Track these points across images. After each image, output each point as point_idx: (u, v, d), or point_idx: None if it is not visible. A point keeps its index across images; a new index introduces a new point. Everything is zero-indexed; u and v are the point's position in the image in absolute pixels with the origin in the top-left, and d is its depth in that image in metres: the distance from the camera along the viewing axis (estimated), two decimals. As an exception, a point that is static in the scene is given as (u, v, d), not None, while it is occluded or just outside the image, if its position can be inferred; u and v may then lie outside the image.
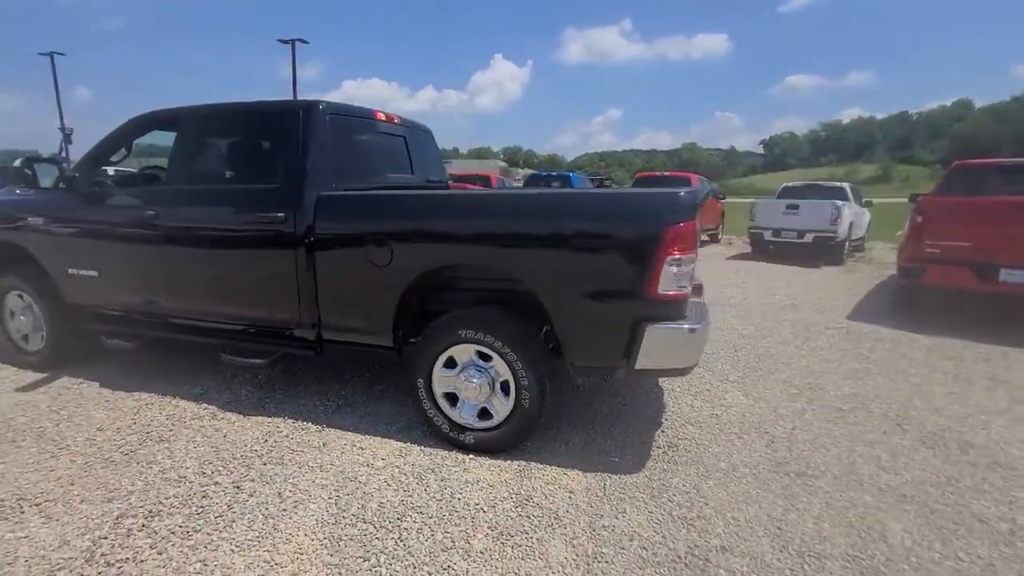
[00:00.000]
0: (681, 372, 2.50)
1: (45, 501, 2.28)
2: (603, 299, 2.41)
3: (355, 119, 3.21)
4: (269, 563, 1.92)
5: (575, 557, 1.98)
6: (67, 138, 22.68)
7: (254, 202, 2.87)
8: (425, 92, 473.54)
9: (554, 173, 15.83)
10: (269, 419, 3.06)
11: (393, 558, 1.96)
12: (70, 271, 3.46)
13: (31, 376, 3.66)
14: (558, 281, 2.45)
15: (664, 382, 3.70)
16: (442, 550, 2.00)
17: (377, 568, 1.91)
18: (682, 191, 2.37)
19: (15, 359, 3.86)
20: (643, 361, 2.37)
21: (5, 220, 3.59)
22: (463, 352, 2.65)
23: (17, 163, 3.28)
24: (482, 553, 1.99)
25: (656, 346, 2.35)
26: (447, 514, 2.22)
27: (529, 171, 14.37)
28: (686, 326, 2.33)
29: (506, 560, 1.96)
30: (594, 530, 2.14)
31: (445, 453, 2.70)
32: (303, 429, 2.96)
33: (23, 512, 2.20)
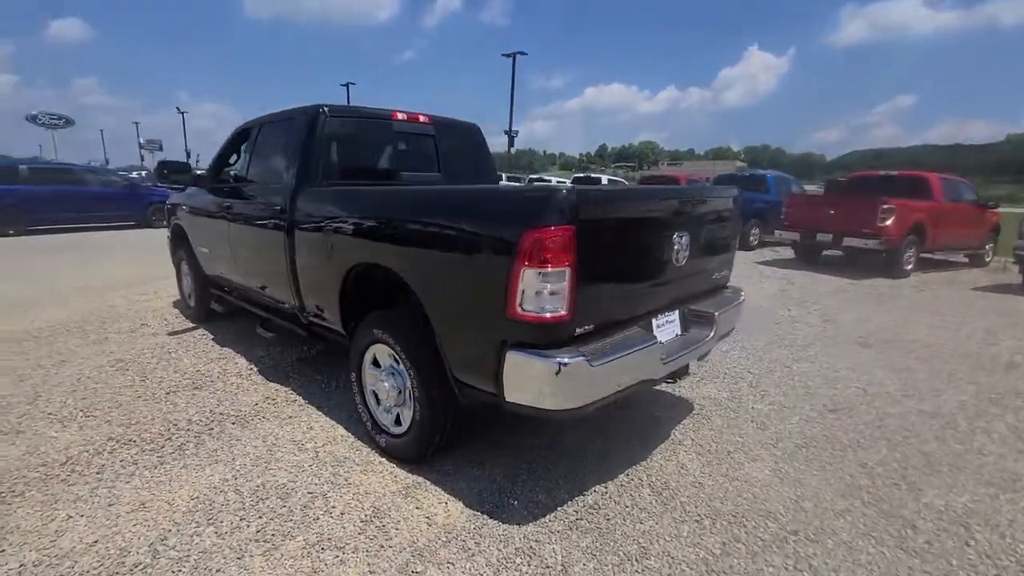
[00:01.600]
0: (558, 416, 1.99)
1: (91, 410, 3.05)
2: (469, 312, 2.09)
3: (363, 121, 3.40)
4: (144, 504, 2.23)
5: (356, 591, 1.78)
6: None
7: (270, 196, 3.29)
8: (666, 93, 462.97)
9: (745, 174, 13.87)
10: (278, 387, 3.50)
11: (220, 534, 2.06)
12: (198, 248, 4.51)
13: (186, 324, 4.91)
14: (431, 286, 2.22)
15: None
16: (255, 540, 2.03)
17: (197, 536, 2.04)
18: (564, 187, 1.87)
19: (187, 312, 5.23)
20: (511, 393, 1.97)
21: (176, 209, 4.88)
22: (383, 352, 2.59)
23: (155, 167, 4.42)
24: (287, 555, 1.94)
25: (517, 377, 1.93)
26: (300, 509, 2.22)
27: (771, 172, 12.86)
28: (555, 359, 1.84)
29: (295, 566, 1.87)
30: (407, 567, 1.88)
31: (368, 451, 2.70)
32: (292, 402, 3.29)
33: (71, 412, 3.00)
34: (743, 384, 3.71)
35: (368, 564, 1.91)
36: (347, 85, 39.73)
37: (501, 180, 6.19)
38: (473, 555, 1.96)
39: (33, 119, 66.67)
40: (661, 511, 2.25)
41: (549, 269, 1.79)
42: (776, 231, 9.88)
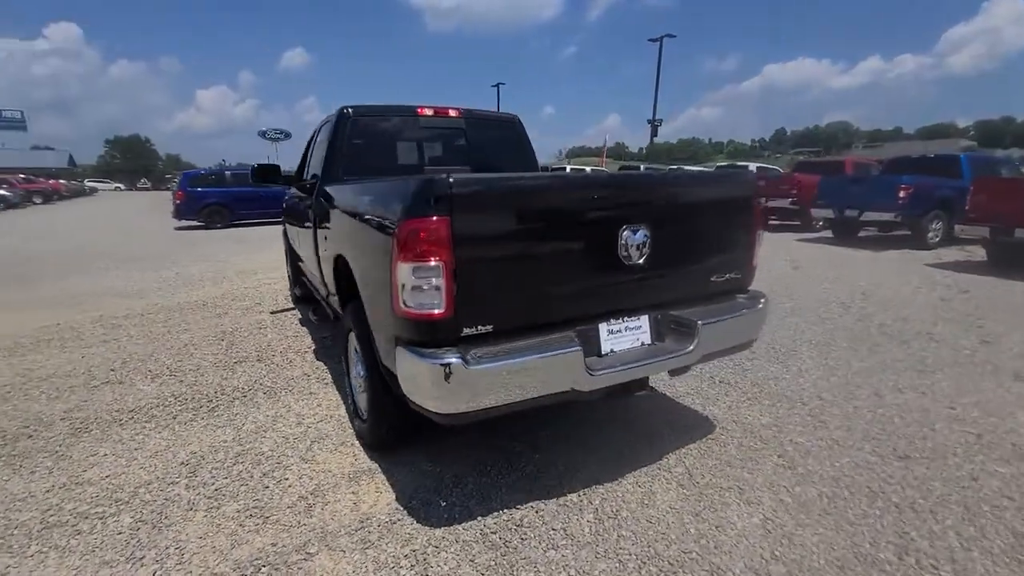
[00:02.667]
0: (444, 420, 1.85)
1: (176, 371, 3.73)
2: (378, 305, 2.05)
3: (388, 119, 3.54)
4: (158, 452, 2.67)
5: (224, 549, 1.91)
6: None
7: (304, 192, 3.65)
8: (868, 63, 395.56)
9: (930, 155, 11.25)
10: (320, 366, 3.89)
11: (189, 487, 2.38)
12: (290, 242, 5.17)
13: (287, 306, 5.71)
14: (359, 277, 2.24)
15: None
16: (208, 497, 2.29)
17: (173, 486, 2.38)
18: (442, 176, 1.71)
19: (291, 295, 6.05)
20: (406, 391, 1.91)
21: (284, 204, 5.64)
22: (352, 340, 2.70)
23: (251, 170, 5.10)
24: (222, 515, 2.17)
25: (405, 376, 1.86)
26: (260, 476, 2.45)
27: (971, 152, 10.67)
28: (430, 359, 1.73)
29: (222, 527, 2.08)
30: (304, 547, 1.96)
31: (349, 433, 2.86)
32: (321, 380, 3.63)
33: (162, 371, 3.70)
34: (799, 410, 3.06)
35: (274, 538, 2.03)
36: (497, 86, 41.72)
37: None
38: (367, 549, 1.96)
39: (263, 134, 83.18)
40: (588, 541, 1.98)
41: (422, 263, 1.69)
42: (957, 225, 7.85)
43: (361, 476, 2.45)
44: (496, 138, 3.96)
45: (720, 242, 2.41)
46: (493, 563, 1.88)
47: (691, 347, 2.19)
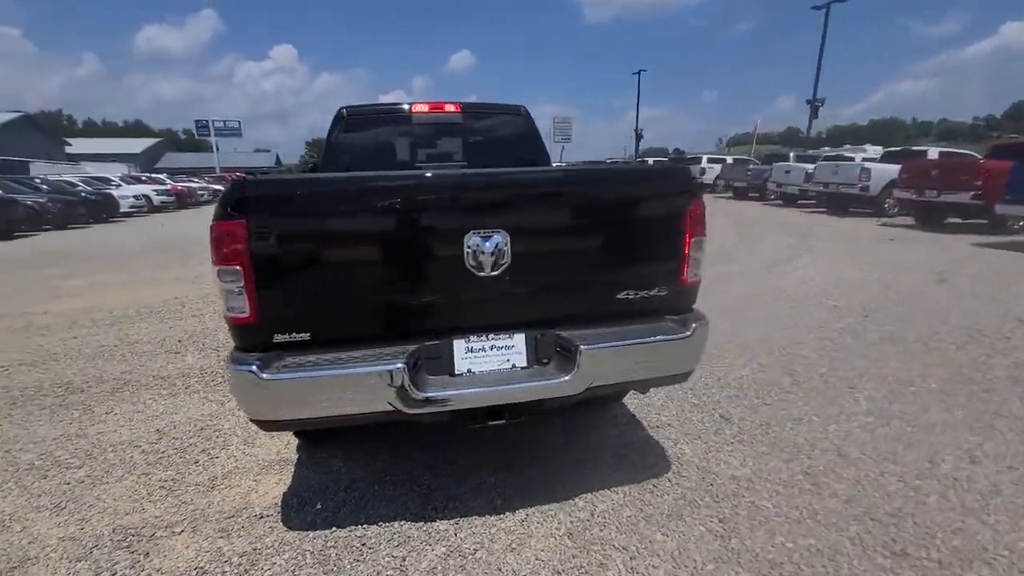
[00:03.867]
0: (261, 427, 1.79)
1: (204, 348, 4.28)
2: None
3: (381, 117, 3.58)
4: (153, 418, 3.09)
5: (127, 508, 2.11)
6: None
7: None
8: None
9: None
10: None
11: (143, 452, 2.71)
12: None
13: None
14: None
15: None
16: (146, 464, 2.58)
17: (135, 449, 2.73)
18: (249, 178, 1.65)
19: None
20: (231, 394, 1.92)
21: None
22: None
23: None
24: (140, 483, 2.43)
25: (228, 380, 1.87)
26: (200, 452, 2.70)
27: None
28: (231, 365, 1.71)
29: (128, 494, 2.33)
30: (171, 525, 2.11)
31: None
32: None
33: (192, 348, 4.27)
34: (794, 465, 2.42)
35: (163, 511, 2.21)
36: (639, 73, 40.02)
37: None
38: (220, 538, 2.03)
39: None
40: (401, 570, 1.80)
41: (225, 267, 1.67)
42: None
43: (275, 466, 2.54)
44: (499, 131, 3.78)
45: (625, 252, 1.99)
46: (323, 571, 1.81)
47: (567, 376, 1.84)
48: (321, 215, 1.73)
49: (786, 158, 18.73)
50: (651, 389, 3.11)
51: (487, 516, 2.13)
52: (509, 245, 1.80)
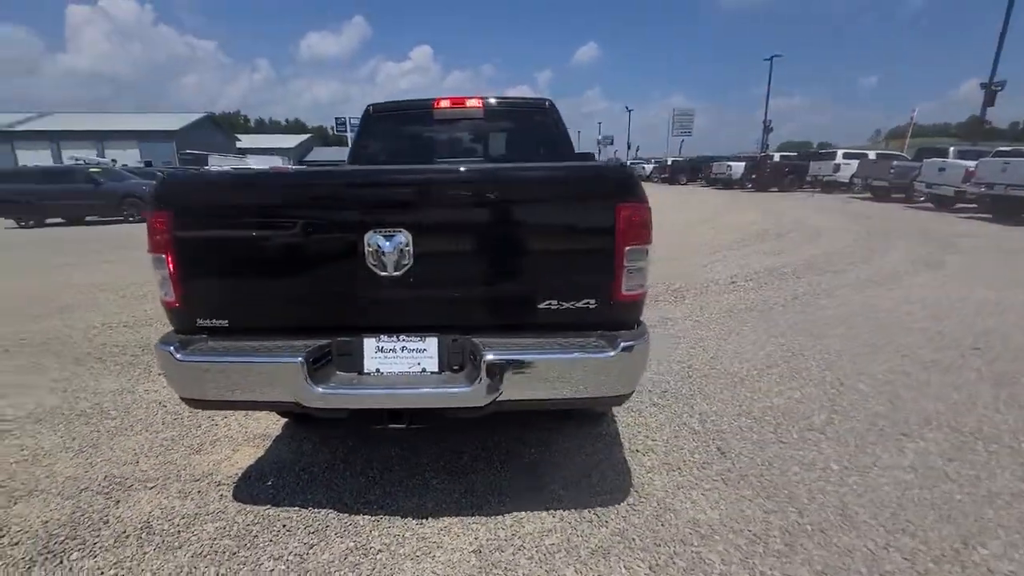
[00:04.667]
0: (188, 404, 1.92)
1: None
2: None
3: (405, 114, 3.65)
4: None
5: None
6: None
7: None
8: None
9: None
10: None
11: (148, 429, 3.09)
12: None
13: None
14: None
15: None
16: (146, 431, 2.94)
17: (119, 417, 3.13)
18: (180, 172, 1.77)
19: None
20: None
21: None
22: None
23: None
24: (145, 442, 2.77)
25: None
26: (205, 423, 3.00)
27: None
28: (162, 347, 1.85)
29: (132, 447, 2.67)
30: (151, 483, 2.37)
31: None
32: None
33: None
34: (775, 519, 2.05)
35: (148, 466, 2.49)
36: (771, 59, 36.39)
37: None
38: (175, 498, 2.24)
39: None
40: (305, 568, 1.83)
41: (154, 254, 1.82)
42: None
43: (259, 439, 2.74)
44: (521, 126, 3.66)
45: (545, 259, 1.80)
46: (220, 551, 1.93)
47: (470, 387, 1.74)
48: (233, 210, 1.81)
49: (944, 153, 15.79)
50: (644, 409, 2.86)
51: (410, 519, 2.10)
52: (411, 246, 1.73)
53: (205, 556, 1.90)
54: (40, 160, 41.63)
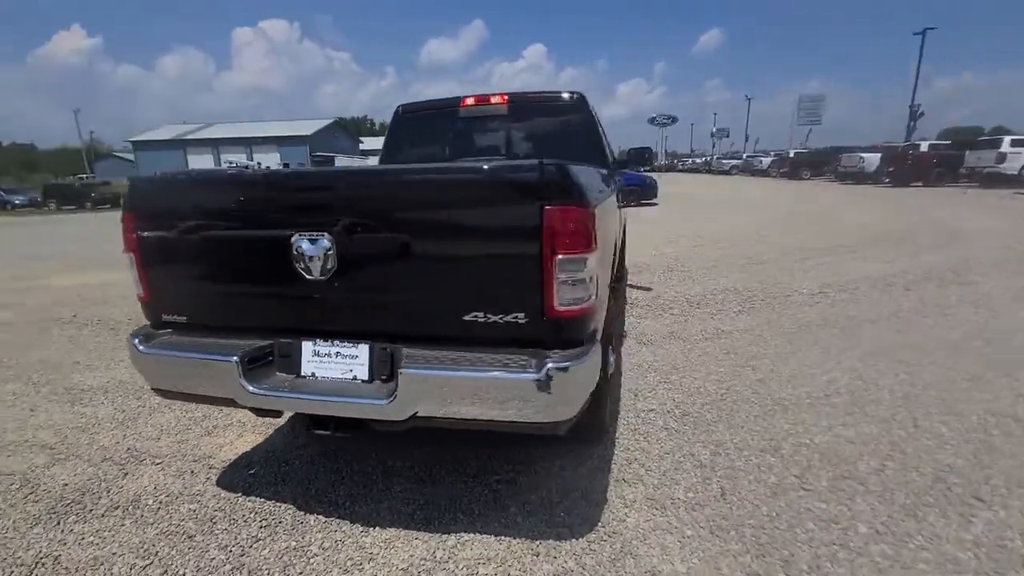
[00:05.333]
0: (156, 394, 2.04)
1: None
2: None
3: (432, 113, 3.62)
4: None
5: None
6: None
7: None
8: None
9: None
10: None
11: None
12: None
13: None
14: None
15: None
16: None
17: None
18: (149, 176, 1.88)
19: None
20: None
21: None
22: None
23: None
24: (168, 420, 3.06)
25: None
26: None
27: None
28: (131, 339, 2.00)
29: (154, 425, 2.96)
30: (152, 461, 2.61)
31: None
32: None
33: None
34: (751, 569, 1.71)
35: (165, 443, 2.74)
36: (923, 32, 31.29)
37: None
38: (171, 476, 2.43)
39: (652, 120, 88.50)
40: (255, 556, 1.87)
41: (126, 252, 1.97)
42: None
43: (264, 426, 2.90)
44: (547, 121, 3.46)
45: (464, 268, 1.64)
46: (182, 532, 2.05)
47: (386, 400, 1.65)
48: (180, 212, 1.89)
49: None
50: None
51: (359, 525, 2.07)
52: (334, 249, 1.68)
53: (168, 535, 2.03)
54: (203, 164, 48.82)
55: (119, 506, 2.23)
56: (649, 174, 18.60)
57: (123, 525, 2.10)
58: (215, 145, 51.71)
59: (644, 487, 2.26)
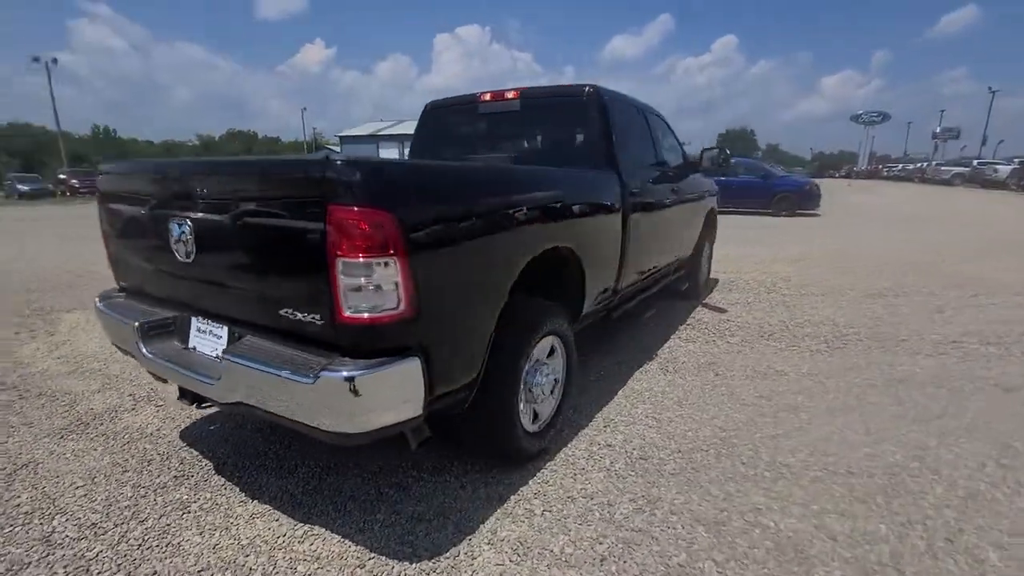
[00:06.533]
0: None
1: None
2: None
3: (456, 109, 3.61)
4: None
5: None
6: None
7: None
8: None
9: None
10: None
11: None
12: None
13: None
14: None
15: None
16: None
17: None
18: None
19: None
20: None
21: None
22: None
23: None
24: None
25: None
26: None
27: None
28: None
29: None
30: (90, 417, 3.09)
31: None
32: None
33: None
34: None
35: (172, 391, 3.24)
36: None
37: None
38: (156, 419, 2.87)
39: (856, 118, 75.74)
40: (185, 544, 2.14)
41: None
42: None
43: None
44: (556, 117, 3.21)
45: (265, 263, 1.65)
46: (123, 467, 2.40)
47: (215, 380, 1.74)
48: (114, 195, 2.22)
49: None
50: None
51: (246, 494, 2.20)
52: (192, 234, 1.81)
53: (114, 466, 2.41)
54: (391, 155, 55.38)
55: (106, 433, 2.70)
56: (811, 179, 16.09)
57: (94, 448, 2.55)
58: (401, 140, 58.48)
59: (527, 528, 2.01)
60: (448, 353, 1.77)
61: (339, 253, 1.45)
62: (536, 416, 2.45)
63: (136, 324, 2.05)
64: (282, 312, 1.66)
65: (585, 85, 3.13)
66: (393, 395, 1.58)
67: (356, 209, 1.43)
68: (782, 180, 14.47)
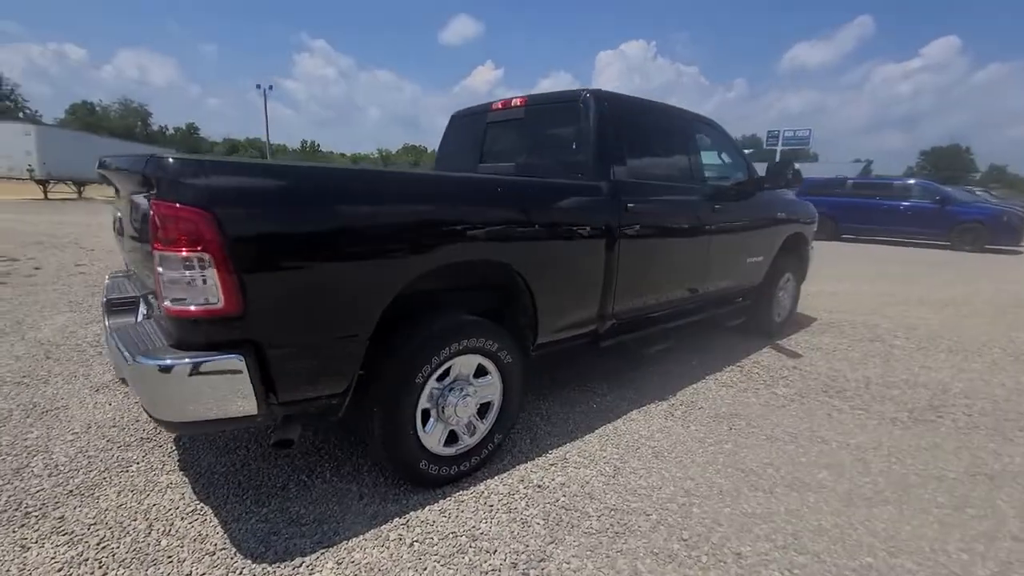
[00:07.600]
0: None
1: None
2: None
3: (474, 118, 3.57)
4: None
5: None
6: None
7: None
8: None
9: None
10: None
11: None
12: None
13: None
14: None
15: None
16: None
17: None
18: None
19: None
20: None
21: None
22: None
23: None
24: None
25: None
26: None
27: None
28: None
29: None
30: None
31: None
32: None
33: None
34: None
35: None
36: None
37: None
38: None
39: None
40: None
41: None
42: None
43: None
44: (554, 123, 2.97)
45: (145, 248, 1.72)
46: (125, 442, 2.79)
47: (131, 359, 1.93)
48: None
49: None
50: None
51: (184, 497, 2.41)
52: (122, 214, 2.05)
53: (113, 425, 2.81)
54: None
55: (99, 387, 3.16)
56: (1014, 206, 12.79)
57: (109, 403, 3.00)
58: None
59: (385, 556, 1.88)
60: (296, 357, 1.74)
61: (157, 247, 1.52)
62: (454, 438, 2.29)
63: (104, 300, 2.38)
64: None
65: (584, 90, 2.87)
66: (215, 390, 1.59)
67: (175, 205, 1.49)
68: (965, 207, 11.70)
